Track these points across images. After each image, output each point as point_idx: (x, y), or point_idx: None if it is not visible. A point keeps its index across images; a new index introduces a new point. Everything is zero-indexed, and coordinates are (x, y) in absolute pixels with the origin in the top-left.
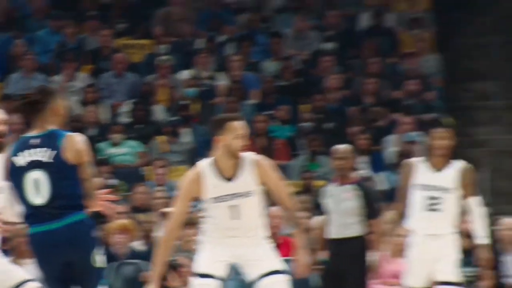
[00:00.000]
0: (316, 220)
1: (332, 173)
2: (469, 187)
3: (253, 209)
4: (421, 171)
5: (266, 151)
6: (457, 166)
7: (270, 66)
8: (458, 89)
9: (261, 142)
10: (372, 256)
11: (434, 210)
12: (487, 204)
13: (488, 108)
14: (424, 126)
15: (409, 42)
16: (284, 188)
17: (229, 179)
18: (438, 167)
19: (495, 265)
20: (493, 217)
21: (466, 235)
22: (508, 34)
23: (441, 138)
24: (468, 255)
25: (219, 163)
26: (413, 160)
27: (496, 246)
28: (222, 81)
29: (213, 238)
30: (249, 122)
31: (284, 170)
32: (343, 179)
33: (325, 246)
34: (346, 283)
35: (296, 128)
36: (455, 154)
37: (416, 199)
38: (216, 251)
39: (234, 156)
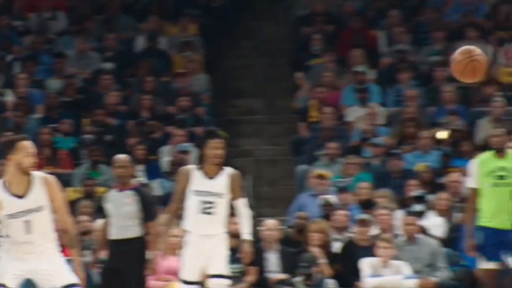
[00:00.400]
0: (99, 223)
1: (112, 180)
2: (237, 190)
3: (45, 223)
4: (196, 178)
5: (51, 160)
6: (227, 172)
7: (54, 83)
8: (225, 105)
9: (46, 153)
10: (149, 255)
11: (208, 213)
12: (250, 207)
13: (251, 122)
14: (195, 138)
15: (180, 63)
16: (66, 211)
17: (21, 196)
18: (212, 175)
19: (259, 262)
20: (256, 219)
21: (233, 235)
22: (269, 57)
23: (216, 148)
24: (235, 252)
25: (11, 182)
26: (189, 167)
27: (260, 244)
28: (10, 97)
29: (10, 254)
30: (35, 134)
31: (68, 178)
32: (123, 186)
33: (107, 246)
34: (125, 280)
35: (79, 140)
36: (224, 163)
37: (192, 203)
38: (11, 265)
39: (25, 173)
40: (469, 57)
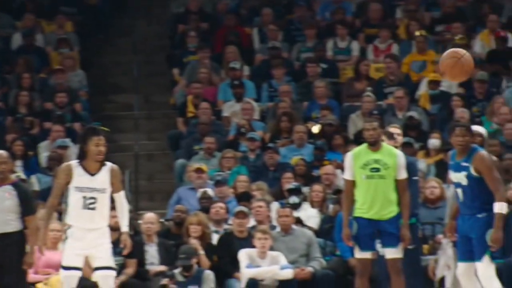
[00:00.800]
0: None
1: None
2: (117, 184)
3: None
4: (78, 174)
5: None
6: (108, 168)
7: None
8: (103, 101)
9: None
10: (28, 249)
11: (91, 208)
12: (129, 201)
13: (129, 118)
14: (74, 134)
15: (57, 59)
16: None
17: None
18: (93, 171)
19: (139, 254)
20: (135, 213)
21: (112, 228)
22: (145, 54)
23: (98, 144)
24: (114, 245)
25: None
26: (71, 164)
27: (139, 237)
28: None
29: None
30: None
31: None
32: (1, 181)
33: None
34: (5, 274)
35: None
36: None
37: (74, 199)
38: None
39: None
40: (456, 57)
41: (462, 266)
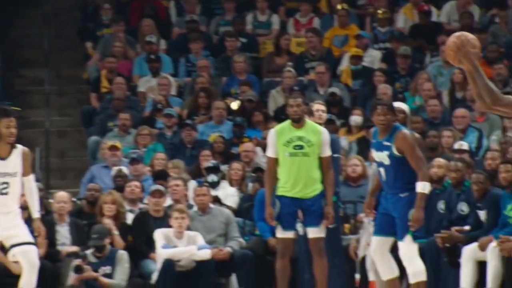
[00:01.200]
0: None
1: None
2: (27, 168)
3: None
4: None
5: None
6: (19, 151)
7: None
8: (12, 76)
9: None
10: None
11: (4, 194)
12: (39, 179)
13: (39, 93)
14: None
15: None
16: None
17: None
18: (4, 155)
19: (50, 235)
20: (46, 191)
21: (22, 207)
22: (56, 26)
23: (9, 126)
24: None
25: None
26: None
27: (50, 217)
28: None
29: None
30: None
31: None
32: None
33: None
34: None
35: None
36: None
37: None
38: None
39: None
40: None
41: (376, 240)
